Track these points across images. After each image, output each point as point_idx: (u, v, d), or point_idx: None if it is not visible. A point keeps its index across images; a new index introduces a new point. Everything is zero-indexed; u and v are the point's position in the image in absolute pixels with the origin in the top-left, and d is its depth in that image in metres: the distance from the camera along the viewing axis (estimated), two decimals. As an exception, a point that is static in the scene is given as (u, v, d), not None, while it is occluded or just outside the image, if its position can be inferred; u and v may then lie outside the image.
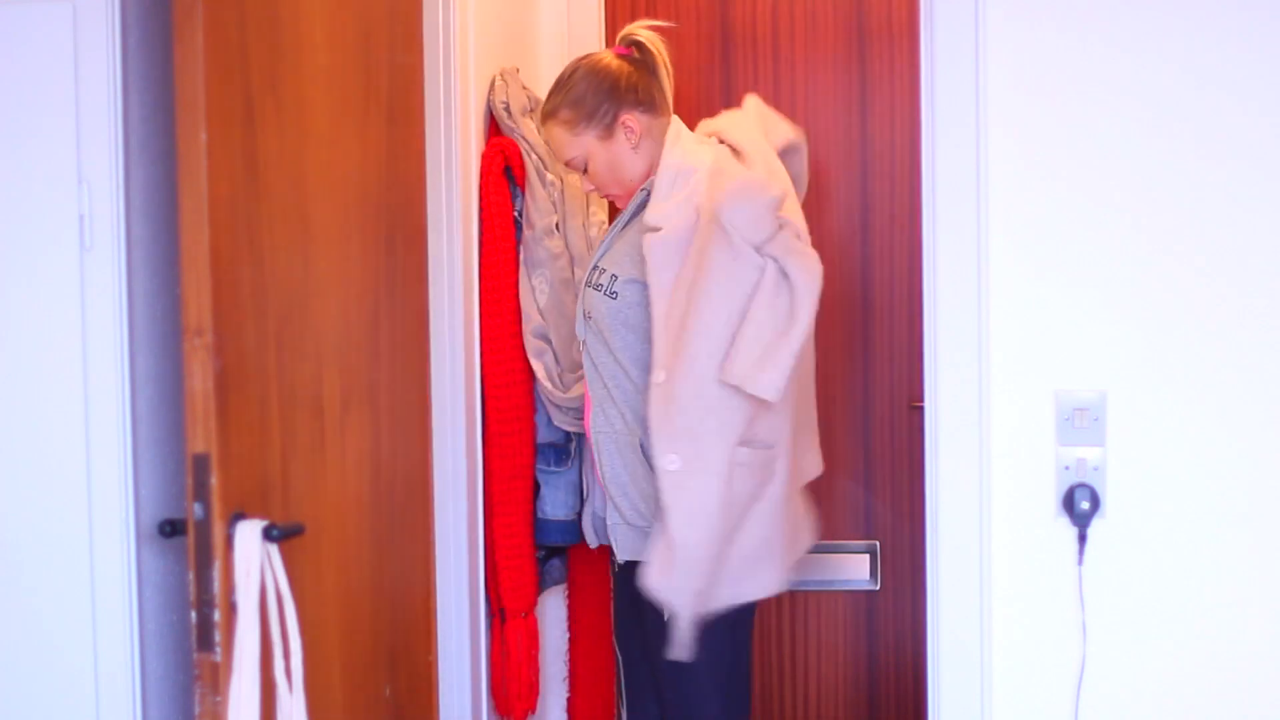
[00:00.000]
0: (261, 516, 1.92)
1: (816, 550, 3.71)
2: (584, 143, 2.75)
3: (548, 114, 2.78)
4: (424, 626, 2.58)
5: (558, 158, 2.83)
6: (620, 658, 2.90)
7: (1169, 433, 2.17)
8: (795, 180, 2.78)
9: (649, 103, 2.76)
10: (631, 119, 2.73)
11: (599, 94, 2.73)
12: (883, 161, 3.69)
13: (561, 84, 2.77)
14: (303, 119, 2.14)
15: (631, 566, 2.72)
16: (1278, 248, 2.14)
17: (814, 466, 2.83)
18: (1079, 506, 2.17)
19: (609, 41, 3.73)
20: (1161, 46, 2.14)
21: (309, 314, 2.15)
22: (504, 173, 3.11)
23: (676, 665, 2.60)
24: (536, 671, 3.18)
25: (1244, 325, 2.15)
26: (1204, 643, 2.18)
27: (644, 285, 2.59)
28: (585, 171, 2.79)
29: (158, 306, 2.20)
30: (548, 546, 3.20)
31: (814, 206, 3.71)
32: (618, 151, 2.74)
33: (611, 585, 3.42)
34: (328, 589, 2.19)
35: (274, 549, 1.90)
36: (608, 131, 2.73)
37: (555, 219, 3.16)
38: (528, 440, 3.12)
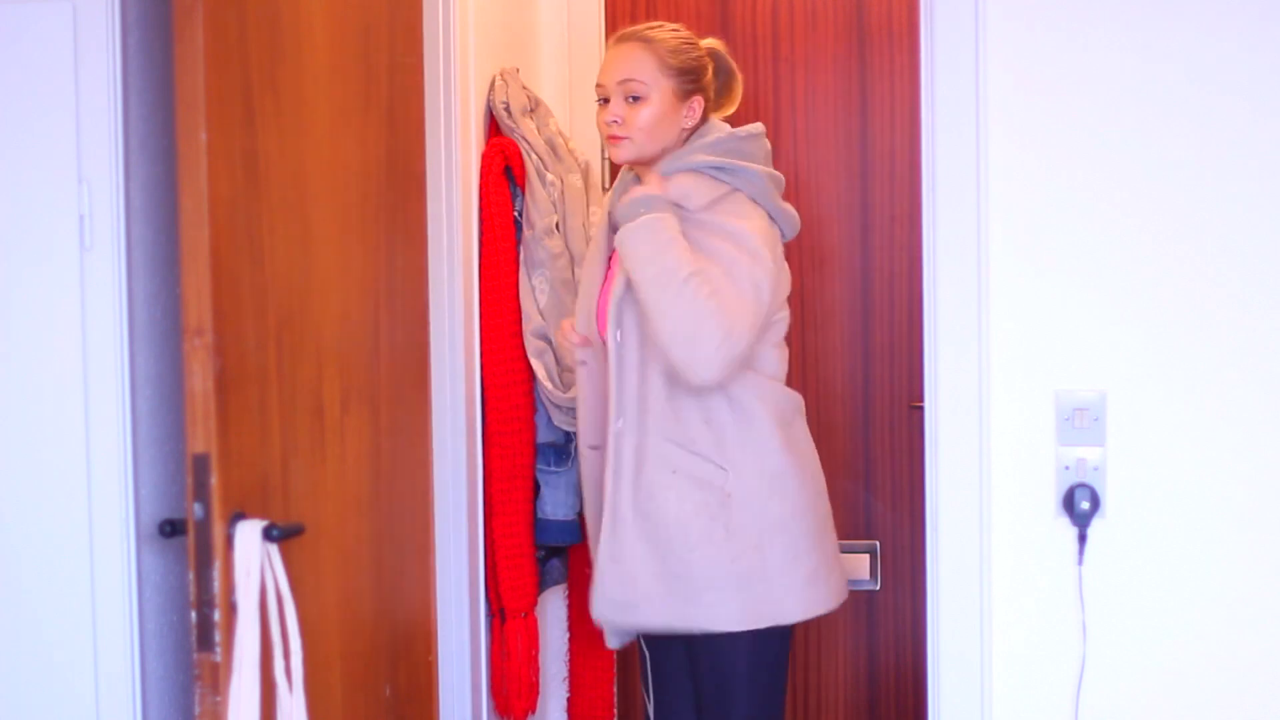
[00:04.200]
0: (261, 516, 1.91)
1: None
2: (660, 83, 2.68)
3: (647, 38, 2.71)
4: (424, 626, 2.58)
5: (621, 73, 2.70)
6: (646, 652, 2.88)
7: (1169, 433, 2.17)
8: None
9: (709, 105, 2.78)
10: (699, 103, 2.73)
11: (698, 66, 2.72)
12: (883, 161, 3.69)
13: (668, 26, 2.75)
14: (303, 119, 2.14)
15: None
16: (1278, 247, 2.14)
17: None
18: (1079, 506, 2.17)
19: (609, 42, 3.73)
20: (1161, 46, 2.14)
21: (309, 314, 2.15)
22: (504, 173, 3.11)
23: (721, 674, 2.65)
24: (536, 671, 3.18)
25: (1244, 325, 2.15)
26: (1204, 643, 2.18)
27: None
28: (634, 101, 2.68)
29: (158, 306, 2.20)
30: (548, 546, 3.20)
31: (814, 206, 3.71)
32: (675, 117, 2.70)
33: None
34: (328, 589, 2.19)
35: (274, 549, 1.90)
36: (683, 95, 2.70)
37: (555, 219, 3.16)
38: (528, 440, 3.12)
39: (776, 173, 2.75)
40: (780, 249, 2.70)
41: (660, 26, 2.76)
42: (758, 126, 2.75)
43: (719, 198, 2.65)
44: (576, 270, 3.17)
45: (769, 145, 2.77)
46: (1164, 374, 2.16)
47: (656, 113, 2.69)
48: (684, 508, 2.59)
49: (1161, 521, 2.18)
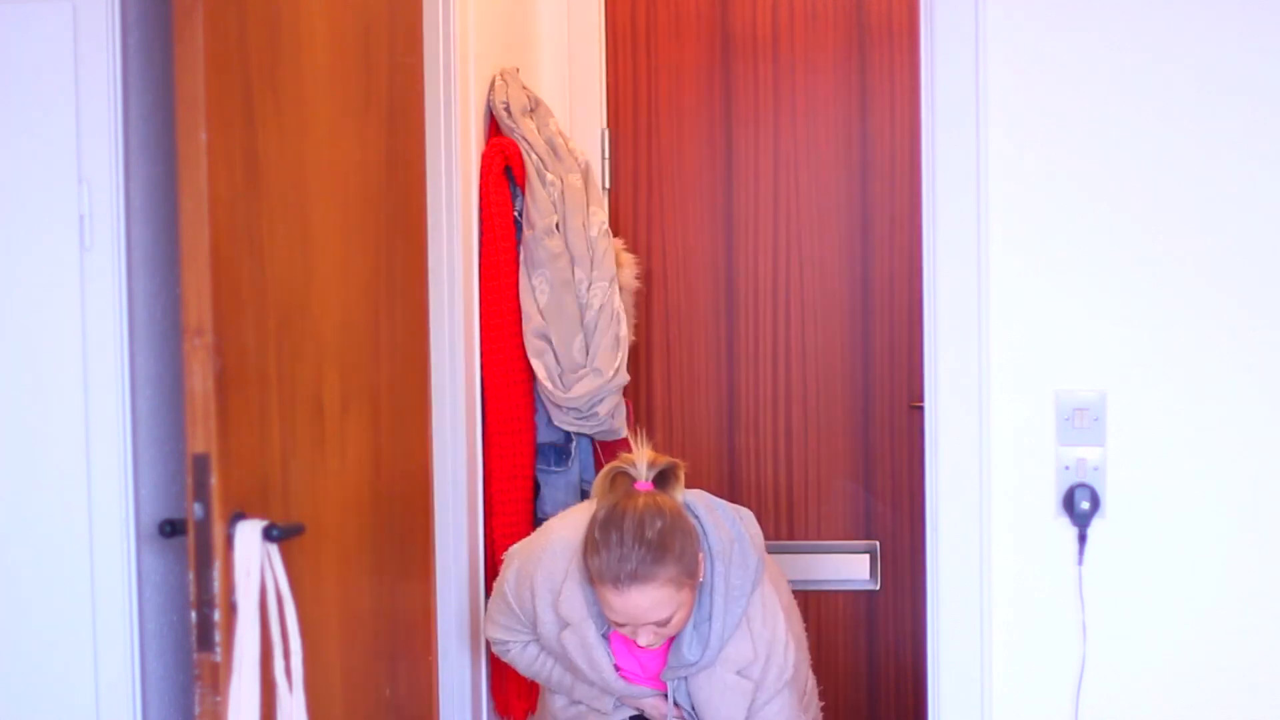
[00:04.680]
0: (261, 516, 1.91)
1: (817, 550, 3.72)
2: (684, 594, 2.43)
3: (649, 576, 2.38)
4: (424, 626, 2.58)
5: (649, 618, 2.41)
6: None
7: (1169, 433, 2.17)
8: None
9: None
10: (703, 567, 2.50)
11: (694, 543, 2.45)
12: (883, 161, 3.69)
13: (656, 544, 2.38)
14: (303, 119, 2.14)
15: None
16: (1278, 247, 2.14)
17: None
18: (1079, 506, 2.17)
19: (609, 42, 3.73)
20: (1162, 45, 2.14)
21: (309, 314, 2.15)
22: (504, 173, 3.11)
23: None
24: (536, 671, 3.17)
25: (1244, 325, 2.15)
26: (1204, 642, 2.18)
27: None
28: (666, 623, 2.42)
29: (158, 306, 2.20)
30: (548, 546, 3.19)
31: (814, 206, 3.71)
32: (691, 606, 2.49)
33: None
34: (328, 589, 2.19)
35: (274, 549, 1.89)
36: (695, 580, 2.46)
37: (555, 219, 3.16)
38: (528, 440, 3.12)
39: (734, 529, 2.56)
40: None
41: (658, 551, 2.39)
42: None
43: (740, 617, 2.51)
44: (576, 270, 3.17)
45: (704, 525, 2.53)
46: (1164, 374, 2.16)
47: (686, 614, 2.46)
48: None
49: (1161, 521, 2.18)
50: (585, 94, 3.71)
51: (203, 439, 1.85)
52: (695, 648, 2.50)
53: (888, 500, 3.72)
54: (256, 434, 1.98)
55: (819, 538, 3.72)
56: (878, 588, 3.73)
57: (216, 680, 1.85)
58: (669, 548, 2.40)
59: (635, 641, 2.48)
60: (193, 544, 1.86)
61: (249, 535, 1.87)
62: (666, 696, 2.59)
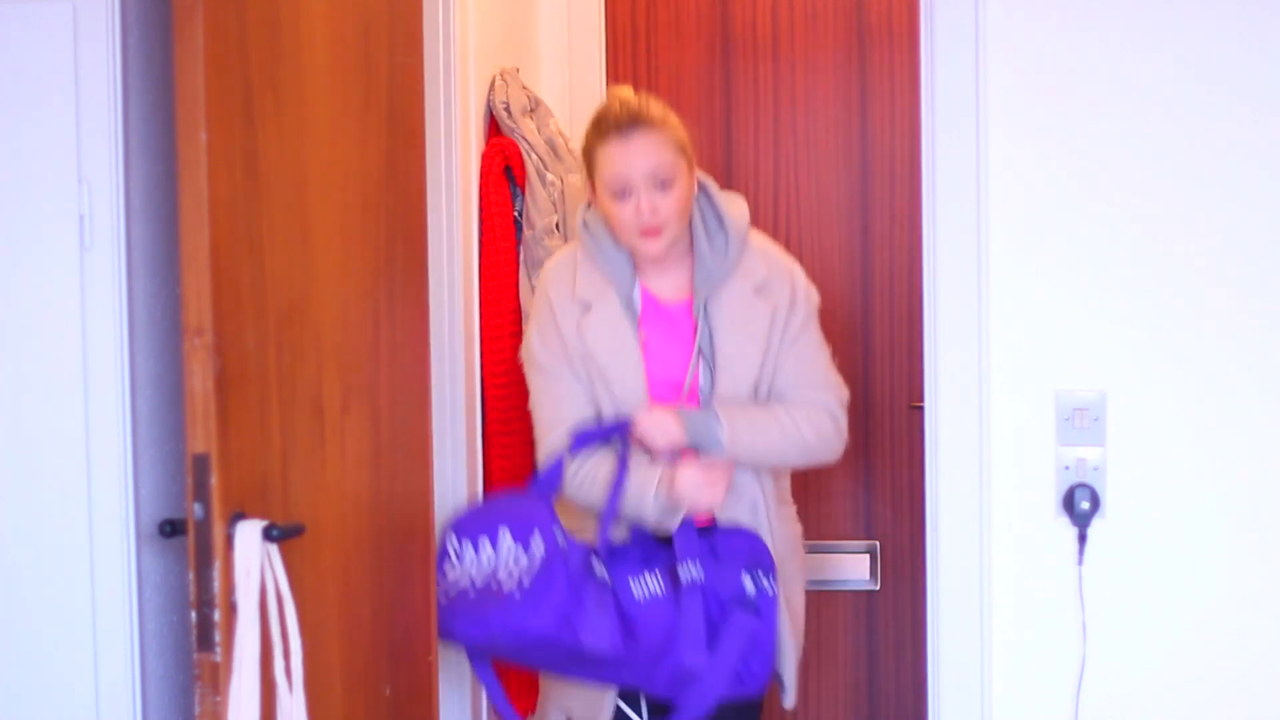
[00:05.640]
0: (261, 516, 1.91)
1: (816, 550, 3.72)
2: (679, 163, 2.53)
3: (650, 124, 2.51)
4: (424, 626, 2.58)
5: (649, 163, 2.48)
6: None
7: (1169, 433, 2.17)
8: None
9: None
10: (694, 174, 2.61)
11: (689, 137, 2.58)
12: (883, 161, 3.69)
13: (662, 115, 2.55)
14: (303, 119, 2.14)
15: None
16: (1278, 247, 2.14)
17: None
18: (1079, 506, 2.17)
19: (609, 42, 3.73)
20: (1162, 45, 2.14)
21: (309, 314, 2.15)
22: (504, 173, 3.11)
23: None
24: (537, 672, 3.17)
25: (1244, 325, 2.15)
26: (1204, 643, 2.18)
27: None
28: (663, 188, 2.50)
29: (158, 306, 2.20)
30: (548, 546, 3.19)
31: (814, 206, 3.71)
32: (692, 195, 2.58)
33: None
34: (328, 589, 2.19)
35: (274, 549, 1.90)
36: (690, 170, 2.57)
37: (555, 219, 3.16)
38: (528, 440, 3.12)
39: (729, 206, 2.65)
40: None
41: (654, 104, 2.56)
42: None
43: (745, 233, 2.61)
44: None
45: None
46: (1164, 374, 2.17)
47: (685, 193, 2.54)
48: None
49: (1161, 521, 2.18)
50: (585, 94, 3.71)
51: (203, 439, 1.85)
52: (714, 256, 2.57)
53: (888, 500, 3.72)
54: (256, 434, 1.98)
55: (819, 538, 3.71)
56: (878, 588, 3.73)
57: (216, 680, 1.85)
58: (665, 115, 2.55)
59: (643, 241, 2.52)
60: (193, 544, 1.86)
61: (249, 535, 1.87)
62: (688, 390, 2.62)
